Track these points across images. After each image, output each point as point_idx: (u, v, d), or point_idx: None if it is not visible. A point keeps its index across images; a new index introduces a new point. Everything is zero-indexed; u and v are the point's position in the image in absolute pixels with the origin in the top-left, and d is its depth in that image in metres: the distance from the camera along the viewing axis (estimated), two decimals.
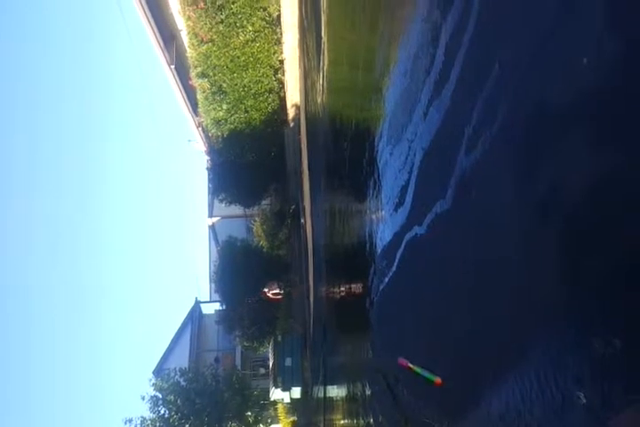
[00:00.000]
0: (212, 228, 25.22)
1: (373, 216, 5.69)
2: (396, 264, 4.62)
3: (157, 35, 16.28)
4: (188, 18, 13.60)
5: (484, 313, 2.83)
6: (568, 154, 2.03)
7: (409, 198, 4.17)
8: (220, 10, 13.09)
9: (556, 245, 2.11)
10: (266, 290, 15.16)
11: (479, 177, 2.86)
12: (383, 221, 5.16)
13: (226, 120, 15.01)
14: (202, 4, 13.07)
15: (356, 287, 7.04)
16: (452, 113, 3.11)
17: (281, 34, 13.76)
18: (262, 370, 23.79)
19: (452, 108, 3.10)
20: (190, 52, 14.48)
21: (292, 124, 15.15)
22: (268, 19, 13.53)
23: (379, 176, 5.17)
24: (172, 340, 26.44)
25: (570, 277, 2.00)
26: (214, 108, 14.91)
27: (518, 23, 2.34)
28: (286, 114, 15.22)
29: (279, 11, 13.32)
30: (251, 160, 15.53)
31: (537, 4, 2.20)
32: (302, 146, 13.79)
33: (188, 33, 14.13)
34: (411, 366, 3.70)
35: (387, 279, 5.01)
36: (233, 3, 12.96)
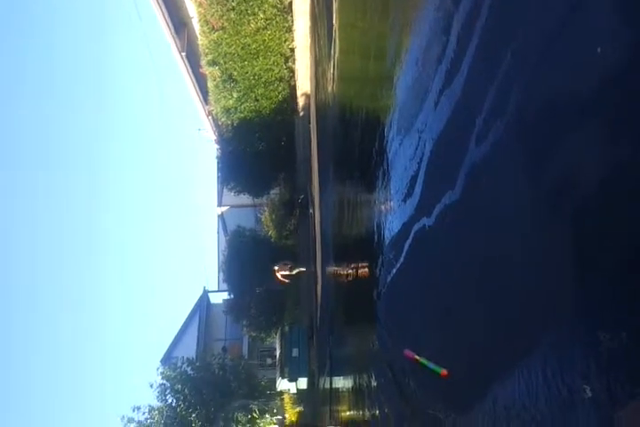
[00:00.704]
0: (221, 217, 25.25)
1: (382, 207, 5.65)
2: (403, 255, 4.59)
3: (169, 22, 16.24)
4: (200, 5, 13.54)
5: (491, 306, 2.81)
6: (579, 145, 1.99)
7: (418, 189, 4.13)
8: None
9: (563, 238, 2.08)
10: (276, 268, 15.01)
11: (489, 168, 2.83)
12: (392, 211, 5.13)
13: (236, 109, 14.98)
14: None
15: (364, 278, 7.02)
16: (463, 103, 3.06)
17: (292, 21, 13.67)
18: (269, 360, 23.88)
19: (464, 98, 3.06)
20: (201, 40, 14.44)
21: (302, 113, 15.09)
22: (279, 6, 13.45)
23: (388, 166, 5.13)
24: (181, 329, 26.60)
25: (577, 271, 1.98)
26: (224, 97, 14.87)
27: (532, 11, 2.29)
28: (296, 103, 15.16)
29: None
30: (260, 149, 15.50)
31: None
32: (312, 135, 13.73)
33: (200, 20, 14.08)
34: (417, 357, 3.68)
35: (394, 271, 4.99)
36: None
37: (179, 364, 18.89)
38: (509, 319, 2.58)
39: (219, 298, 26.92)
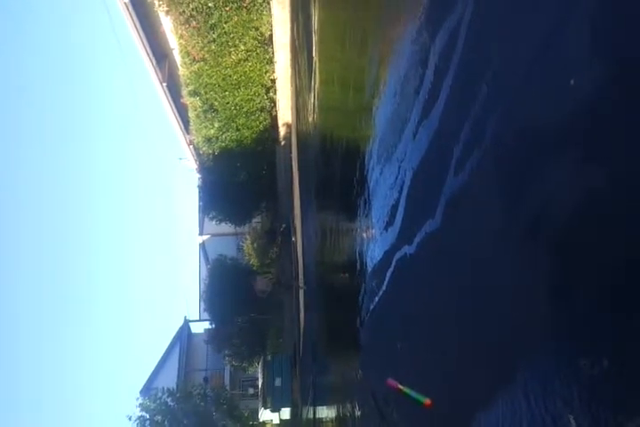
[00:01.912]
0: (203, 246, 25.10)
1: (364, 235, 5.69)
2: (386, 284, 4.61)
3: (150, 53, 16.38)
4: (181, 37, 13.68)
5: (473, 333, 2.82)
6: (554, 173, 2.04)
7: (399, 217, 4.17)
8: (213, 29, 13.18)
9: (542, 265, 2.11)
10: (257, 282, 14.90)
11: (468, 197, 2.87)
12: (373, 239, 5.16)
13: (217, 138, 15.03)
14: (194, 23, 13.16)
15: (347, 306, 7.00)
16: (441, 133, 3.13)
17: (273, 53, 13.87)
18: (251, 390, 23.47)
19: (441, 129, 3.12)
20: (182, 71, 14.55)
21: (283, 143, 15.20)
22: (260, 38, 13.64)
23: (369, 195, 5.18)
24: (161, 359, 26.10)
25: (557, 298, 2.00)
26: (206, 127, 14.93)
27: (506, 45, 2.37)
28: (278, 132, 15.28)
29: (271, 30, 13.44)
30: (241, 178, 15.54)
31: (524, 27, 2.23)
32: (293, 164, 13.82)
33: (181, 51, 14.21)
34: (400, 387, 3.66)
35: (377, 298, 4.99)
36: (225, 22, 13.06)
37: (159, 395, 18.47)
38: (491, 347, 2.59)
39: (200, 328, 26.56)
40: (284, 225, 16.03)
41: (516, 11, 2.29)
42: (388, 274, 4.49)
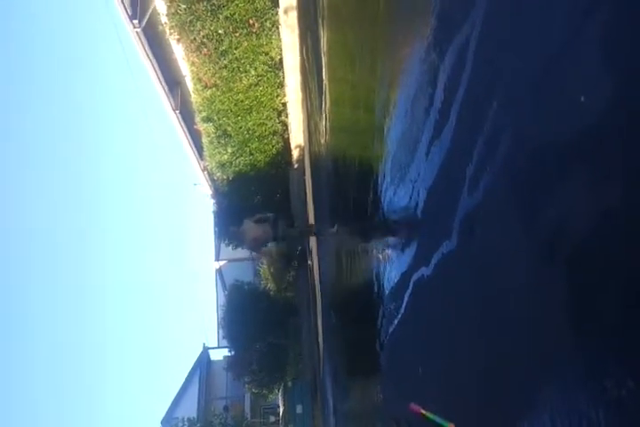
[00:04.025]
0: (219, 272, 25.07)
1: (380, 256, 5.62)
2: (404, 306, 4.52)
3: (162, 81, 16.60)
4: (192, 64, 13.88)
5: (496, 356, 2.73)
6: (570, 192, 1.98)
7: (415, 240, 4.11)
8: (224, 55, 13.36)
9: (563, 284, 2.04)
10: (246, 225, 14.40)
11: (483, 217, 2.82)
12: (390, 261, 5.09)
13: (231, 163, 15.14)
14: (205, 50, 13.35)
15: (365, 329, 6.89)
16: (453, 153, 3.08)
17: (283, 77, 13.99)
18: (272, 418, 23.16)
19: (453, 149, 3.08)
20: (195, 97, 14.73)
21: (296, 166, 15.24)
22: (270, 63, 13.79)
23: (383, 216, 5.13)
24: (181, 387, 25.93)
25: (579, 317, 1.93)
26: (219, 152, 15.05)
27: (515, 63, 2.33)
28: (290, 155, 15.35)
29: (281, 55, 13.58)
30: (256, 202, 15.57)
31: (533, 44, 2.19)
32: (307, 187, 13.83)
33: (193, 78, 14.40)
34: (423, 411, 3.55)
35: (396, 321, 4.90)
36: (236, 48, 13.23)
37: (179, 425, 18.31)
38: (515, 370, 2.51)
39: (219, 355, 26.43)
40: (299, 248, 15.98)
41: (524, 27, 2.26)
42: (407, 296, 4.41)
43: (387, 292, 5.20)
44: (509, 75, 2.38)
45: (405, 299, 4.43)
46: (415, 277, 4.08)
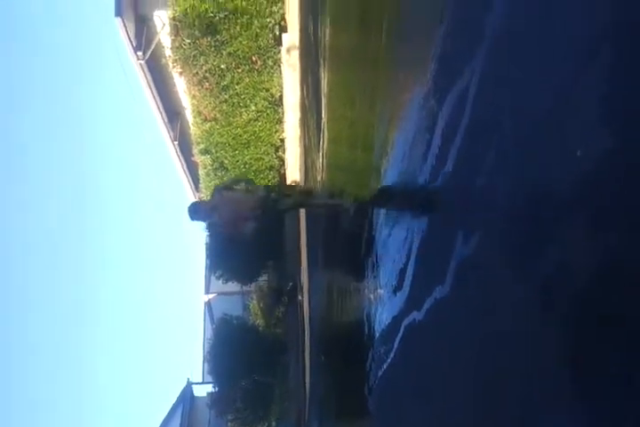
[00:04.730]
0: (208, 304, 24.77)
1: (371, 297, 5.55)
2: (394, 350, 4.44)
3: (162, 112, 16.77)
4: (194, 97, 14.04)
5: (488, 404, 2.66)
6: (565, 241, 1.96)
7: (407, 282, 4.06)
8: (225, 90, 13.53)
9: (561, 329, 2.00)
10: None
11: (478, 263, 2.78)
12: (381, 303, 5.02)
13: None
14: (207, 84, 13.52)
15: (354, 371, 6.76)
16: (450, 199, 3.07)
17: (282, 113, 14.15)
18: None
19: (450, 193, 3.07)
20: (194, 130, 14.86)
21: None
22: (270, 99, 13.96)
23: (377, 257, 5.09)
24: (162, 422, 25.26)
25: (577, 362, 1.89)
26: (215, 184, 15.07)
27: (512, 114, 2.34)
28: None
29: (281, 92, 13.76)
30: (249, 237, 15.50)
31: (529, 97, 2.20)
32: (301, 222, 13.81)
33: (193, 111, 14.55)
34: None
35: (385, 365, 4.80)
36: (237, 84, 13.41)
37: None
38: (507, 419, 2.44)
39: (202, 391, 25.78)
40: (290, 284, 15.85)
41: (522, 79, 2.27)
42: (397, 340, 4.33)
43: (377, 334, 5.11)
44: (508, 125, 2.38)
45: (396, 343, 4.35)
46: (406, 321, 4.02)
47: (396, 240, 4.31)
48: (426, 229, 3.53)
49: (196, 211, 5.70)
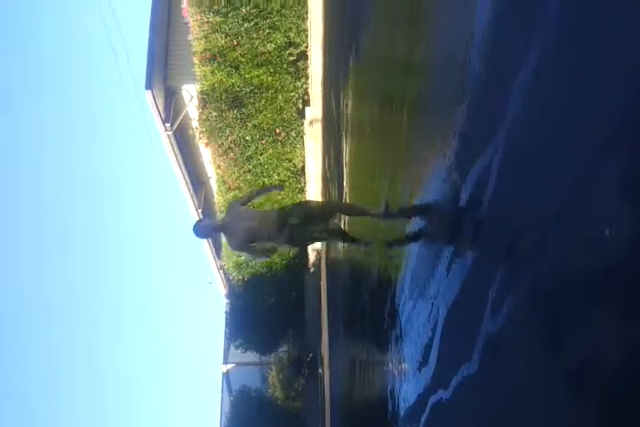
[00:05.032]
0: (226, 375, 24.19)
1: (395, 372, 5.38)
2: None
3: (187, 180, 17.16)
4: (218, 166, 14.41)
5: None
6: (601, 322, 1.89)
7: (433, 357, 3.94)
8: (249, 160, 13.88)
9: (590, 419, 1.89)
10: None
11: (506, 341, 2.70)
12: (406, 379, 4.86)
13: (247, 264, 15.20)
14: (232, 155, 13.90)
15: None
16: (476, 273, 3.03)
17: (304, 183, 14.40)
18: None
19: (475, 269, 3.03)
20: (218, 198, 15.14)
21: (312, 269, 15.23)
22: (292, 169, 14.26)
23: (401, 330, 4.97)
24: None
25: None
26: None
27: (536, 193, 2.33)
28: (307, 259, 15.37)
29: (304, 162, 14.07)
30: (270, 305, 15.43)
31: (551, 175, 2.21)
32: (322, 291, 13.69)
33: (217, 180, 14.88)
34: None
35: None
36: (261, 154, 13.77)
37: None
38: None
39: None
40: (310, 355, 15.50)
41: (546, 154, 2.29)
42: (423, 420, 4.15)
43: (402, 412, 4.92)
44: (530, 205, 2.38)
45: (422, 423, 4.17)
46: (433, 399, 3.86)
47: (420, 313, 4.22)
48: (451, 303, 3.46)
49: (200, 229, 5.25)
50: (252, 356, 18.90)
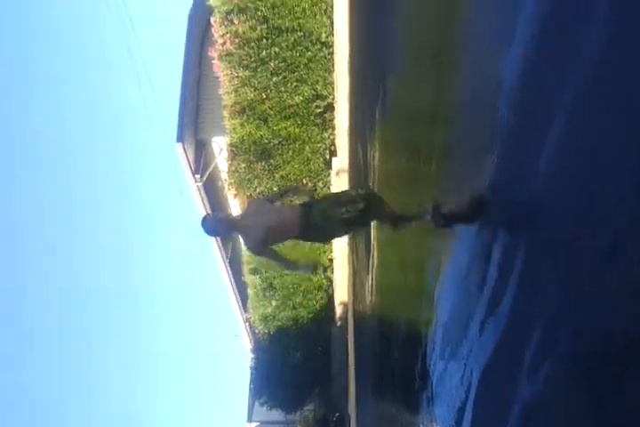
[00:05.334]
0: None
1: None
2: None
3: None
4: None
5: None
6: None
7: (467, 421, 3.74)
8: None
9: None
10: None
11: (544, 408, 2.56)
12: None
13: (274, 317, 15.04)
14: None
15: None
16: (509, 335, 2.90)
17: None
18: None
19: (509, 329, 2.90)
20: (245, 250, 15.11)
21: (339, 323, 14.95)
22: None
23: (432, 392, 4.76)
24: None
25: None
26: (263, 305, 15.07)
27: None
28: (334, 312, 15.13)
29: None
30: (296, 360, 15.12)
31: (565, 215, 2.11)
32: (349, 346, 13.37)
33: None
34: None
35: None
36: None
37: None
38: None
39: None
40: (337, 414, 14.99)
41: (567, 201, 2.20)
42: None
43: None
44: (562, 249, 2.28)
45: None
46: None
47: (453, 375, 4.04)
48: (485, 366, 3.29)
49: (210, 224, 4.31)
50: (276, 414, 18.33)
